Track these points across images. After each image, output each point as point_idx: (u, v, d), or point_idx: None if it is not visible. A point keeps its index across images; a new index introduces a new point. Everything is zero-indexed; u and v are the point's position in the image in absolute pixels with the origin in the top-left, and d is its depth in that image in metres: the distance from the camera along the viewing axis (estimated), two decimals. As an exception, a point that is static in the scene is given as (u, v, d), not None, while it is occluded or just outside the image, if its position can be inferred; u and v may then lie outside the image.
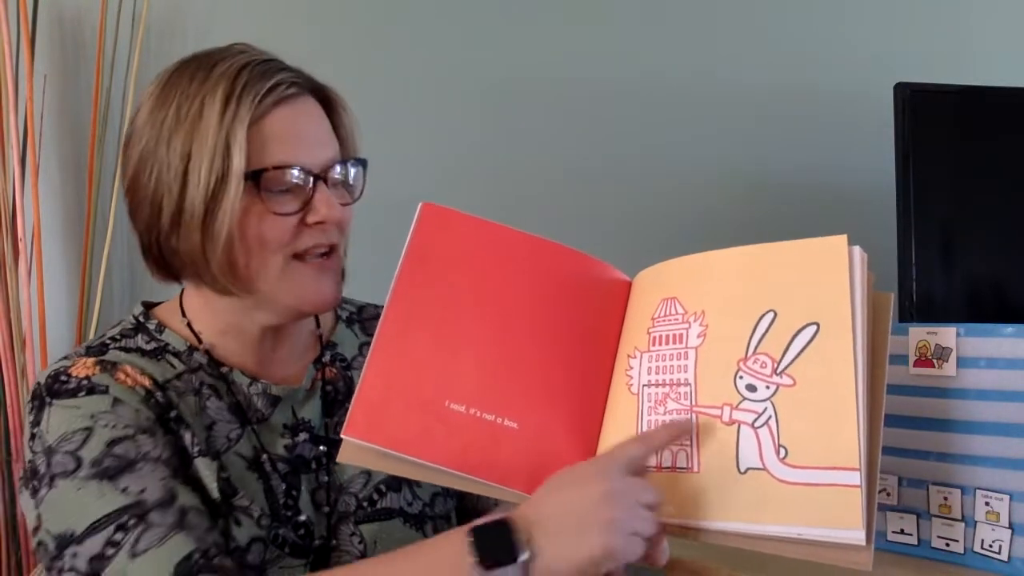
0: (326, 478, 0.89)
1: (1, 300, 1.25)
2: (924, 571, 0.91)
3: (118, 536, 0.73)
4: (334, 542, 0.87)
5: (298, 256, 0.84)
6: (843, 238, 0.70)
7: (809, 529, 0.64)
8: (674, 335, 0.75)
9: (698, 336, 0.73)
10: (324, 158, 0.84)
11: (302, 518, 0.86)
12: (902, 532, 0.95)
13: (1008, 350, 0.88)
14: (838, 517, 0.63)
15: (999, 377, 0.88)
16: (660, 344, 0.75)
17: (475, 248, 0.81)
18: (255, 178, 0.80)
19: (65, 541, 0.75)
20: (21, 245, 1.27)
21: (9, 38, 1.27)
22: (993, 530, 0.88)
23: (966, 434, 0.90)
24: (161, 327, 0.89)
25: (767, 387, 0.69)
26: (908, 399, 0.94)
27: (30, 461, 0.79)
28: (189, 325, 0.89)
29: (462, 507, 1.01)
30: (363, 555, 0.87)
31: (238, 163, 0.78)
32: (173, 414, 0.82)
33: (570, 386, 0.77)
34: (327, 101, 0.88)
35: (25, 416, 0.84)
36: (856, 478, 0.64)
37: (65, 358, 0.84)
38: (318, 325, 0.98)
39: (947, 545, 0.92)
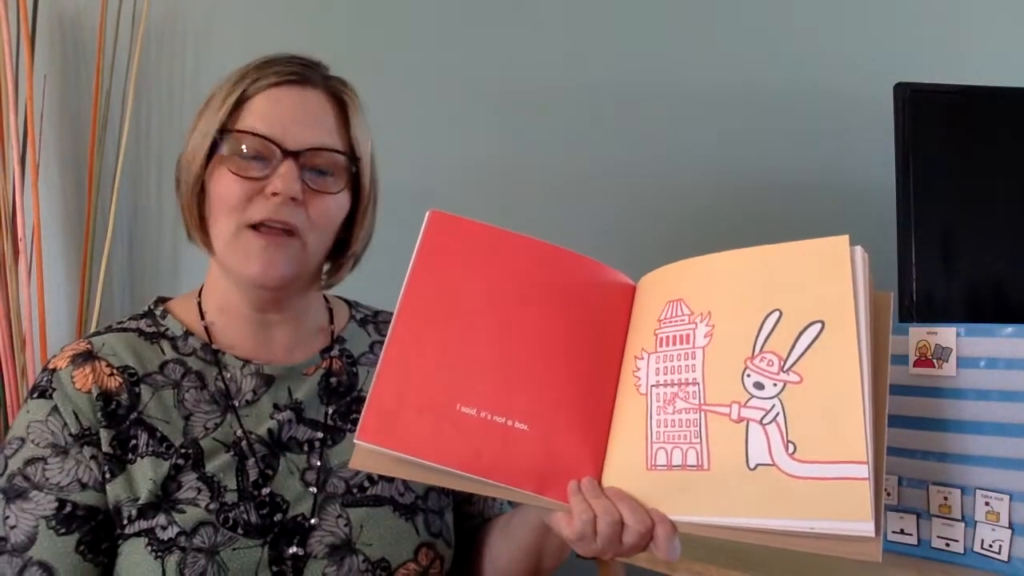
0: (318, 462, 0.91)
1: (1, 300, 1.25)
2: (924, 571, 0.91)
3: None
4: (315, 520, 0.88)
5: (252, 227, 0.88)
6: (845, 238, 0.72)
7: (819, 522, 0.65)
8: (681, 336, 0.76)
9: (705, 336, 0.75)
10: (303, 140, 0.88)
11: (265, 493, 0.87)
12: (902, 532, 0.95)
13: (1008, 350, 0.88)
14: (847, 510, 0.64)
15: (999, 377, 0.89)
16: (667, 345, 0.77)
17: (482, 253, 0.82)
18: (223, 137, 0.88)
19: None
20: (21, 245, 1.27)
21: (9, 38, 1.27)
22: (993, 530, 0.88)
23: (966, 434, 0.91)
24: (165, 313, 0.95)
25: (774, 384, 0.70)
26: (908, 399, 0.94)
27: None
28: (199, 304, 0.95)
29: (467, 512, 1.01)
30: (347, 536, 0.89)
31: (215, 121, 0.88)
32: (134, 416, 0.87)
33: (578, 388, 0.78)
34: (341, 102, 0.93)
35: None
36: (864, 471, 0.65)
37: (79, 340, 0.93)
38: (331, 321, 1.00)
39: (947, 545, 0.92)
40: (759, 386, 0.71)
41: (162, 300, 0.98)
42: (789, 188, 1.68)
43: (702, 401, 0.73)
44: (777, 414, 0.69)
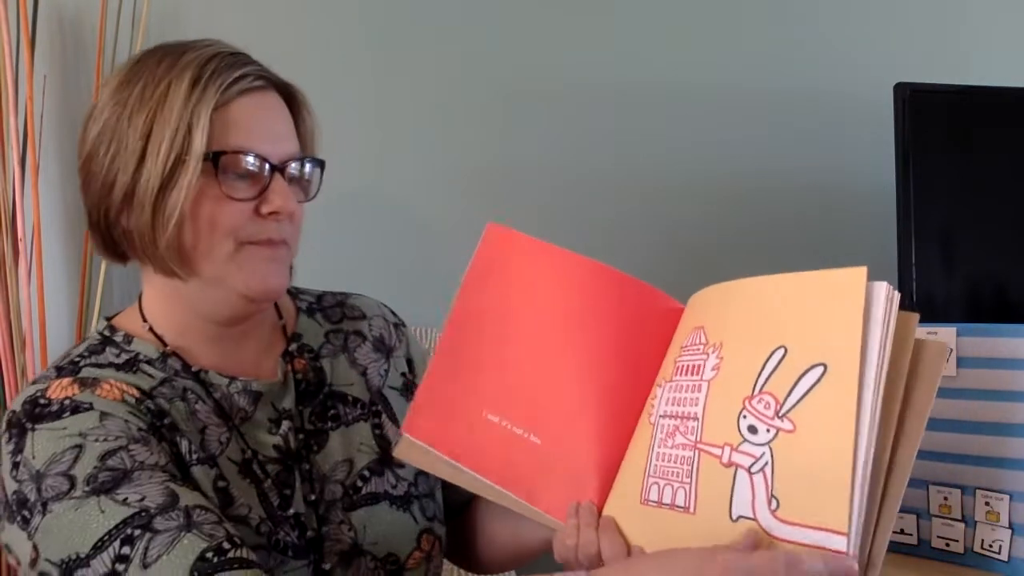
0: (307, 467, 0.89)
1: (1, 300, 1.25)
2: (924, 571, 0.91)
3: (126, 550, 0.70)
4: (325, 529, 0.86)
5: (250, 242, 0.83)
6: (862, 270, 0.63)
7: None
8: (694, 366, 0.72)
9: (713, 369, 0.70)
10: (283, 151, 0.85)
11: (290, 513, 0.84)
12: (902, 532, 0.95)
13: (1008, 350, 0.88)
14: None
15: (999, 377, 0.88)
16: (681, 374, 0.73)
17: (534, 269, 0.84)
18: (214, 160, 0.80)
19: (71, 566, 0.71)
20: (21, 245, 1.27)
21: (9, 38, 1.27)
22: (993, 530, 0.88)
23: (966, 434, 0.90)
24: (129, 338, 0.86)
25: (767, 430, 0.64)
26: (908, 399, 0.94)
27: (15, 492, 0.74)
28: (151, 330, 0.86)
29: (446, 501, 1.00)
30: (354, 542, 0.87)
31: (199, 144, 0.79)
32: (167, 421, 0.80)
33: (605, 411, 0.78)
34: (291, 99, 0.89)
35: (2, 446, 0.78)
36: (843, 543, 0.57)
37: (35, 382, 0.81)
38: (280, 317, 0.96)
39: (947, 545, 0.92)
40: (753, 430, 0.64)
41: (107, 319, 0.90)
42: (789, 188, 1.68)
43: (698, 438, 0.68)
44: (766, 463, 0.63)
